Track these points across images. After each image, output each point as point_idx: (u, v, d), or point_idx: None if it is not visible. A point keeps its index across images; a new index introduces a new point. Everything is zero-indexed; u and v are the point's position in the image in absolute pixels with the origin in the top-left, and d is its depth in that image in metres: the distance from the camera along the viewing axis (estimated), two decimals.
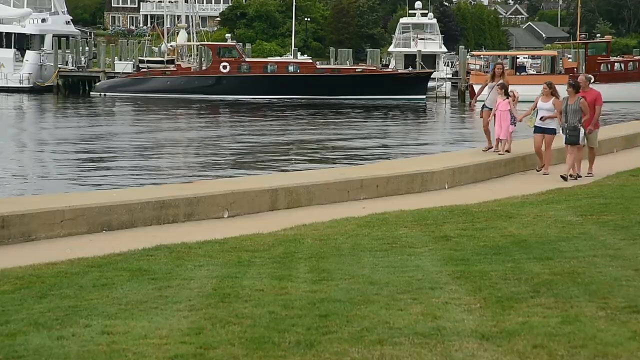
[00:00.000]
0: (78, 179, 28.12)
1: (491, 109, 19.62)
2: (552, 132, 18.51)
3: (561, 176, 17.59)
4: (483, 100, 20.30)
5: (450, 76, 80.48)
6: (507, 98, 19.08)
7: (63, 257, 10.30)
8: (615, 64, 70.39)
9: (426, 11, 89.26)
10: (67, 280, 8.96)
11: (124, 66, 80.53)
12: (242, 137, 44.26)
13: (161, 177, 28.36)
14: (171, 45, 78.50)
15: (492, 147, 19.74)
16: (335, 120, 56.14)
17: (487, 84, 20.11)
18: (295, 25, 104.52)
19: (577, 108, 17.65)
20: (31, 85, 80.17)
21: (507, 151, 19.42)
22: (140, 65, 77.63)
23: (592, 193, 15.26)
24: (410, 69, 76.81)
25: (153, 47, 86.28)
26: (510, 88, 19.54)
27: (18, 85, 79.98)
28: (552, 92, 18.38)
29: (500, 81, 19.41)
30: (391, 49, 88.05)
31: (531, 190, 16.27)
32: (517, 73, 70.28)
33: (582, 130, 17.73)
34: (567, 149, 18.00)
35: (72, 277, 9.13)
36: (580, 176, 17.97)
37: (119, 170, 30.56)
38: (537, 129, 18.64)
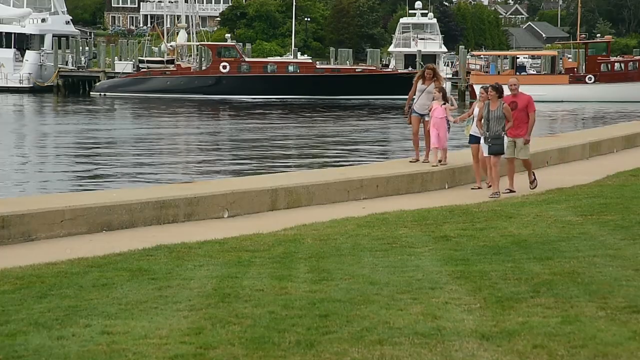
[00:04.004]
0: (78, 179, 28.12)
1: (420, 115, 17.83)
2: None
3: (491, 195, 15.73)
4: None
5: (450, 76, 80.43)
6: (445, 104, 17.30)
7: (63, 257, 10.29)
8: (616, 64, 70.39)
9: (426, 11, 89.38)
10: (67, 280, 8.95)
11: (124, 66, 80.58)
12: (242, 137, 44.27)
13: (161, 177, 28.35)
14: (171, 45, 78.53)
15: (420, 159, 17.95)
16: (335, 120, 56.15)
17: (417, 88, 17.89)
18: (295, 25, 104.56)
19: (501, 115, 15.82)
20: (31, 85, 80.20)
21: (442, 162, 17.50)
22: (140, 65, 77.67)
23: (592, 193, 15.24)
24: (410, 69, 76.81)
25: (153, 47, 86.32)
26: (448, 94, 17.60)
27: (18, 85, 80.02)
28: (499, 96, 16.06)
29: (431, 84, 17.57)
30: (391, 49, 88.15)
31: (531, 190, 16.26)
32: (517, 73, 70.31)
33: (506, 139, 16.02)
34: (490, 161, 16.05)
35: (72, 277, 9.13)
36: (514, 191, 16.09)
37: (119, 170, 30.56)
38: (474, 139, 16.78)
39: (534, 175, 16.76)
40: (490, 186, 16.39)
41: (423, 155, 18.17)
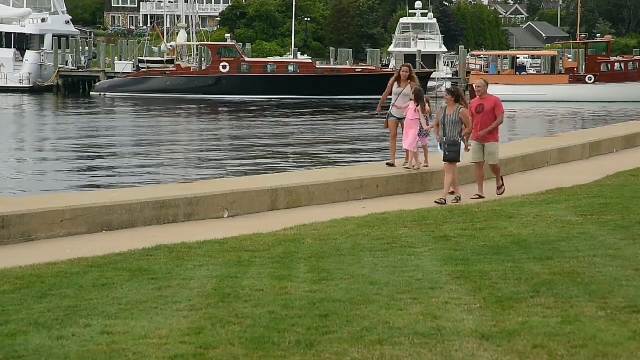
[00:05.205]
0: (78, 179, 28.12)
1: (398, 119, 17.17)
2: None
3: (436, 201, 15.13)
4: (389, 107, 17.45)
5: (450, 76, 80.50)
6: (418, 105, 16.54)
7: (63, 257, 10.30)
8: (616, 64, 70.37)
9: (426, 11, 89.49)
10: (67, 280, 8.96)
11: (124, 66, 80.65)
12: (241, 137, 44.27)
13: (161, 177, 28.35)
14: (171, 45, 78.55)
15: (402, 164, 17.21)
16: (335, 120, 56.16)
17: (392, 89, 17.14)
18: (295, 25, 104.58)
19: (457, 119, 15.35)
20: (31, 85, 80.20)
21: (412, 166, 17.02)
22: (140, 65, 77.71)
23: (592, 193, 15.24)
24: None
25: (153, 47, 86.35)
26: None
27: (18, 85, 79.99)
28: (455, 100, 15.62)
29: (408, 87, 16.86)
30: (391, 49, 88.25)
31: (531, 190, 16.26)
32: (517, 73, 70.34)
33: (462, 145, 15.55)
34: (445, 167, 15.64)
35: (72, 277, 9.13)
36: (483, 197, 15.64)
37: (119, 170, 30.56)
38: None
39: (502, 180, 16.15)
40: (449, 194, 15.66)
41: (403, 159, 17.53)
